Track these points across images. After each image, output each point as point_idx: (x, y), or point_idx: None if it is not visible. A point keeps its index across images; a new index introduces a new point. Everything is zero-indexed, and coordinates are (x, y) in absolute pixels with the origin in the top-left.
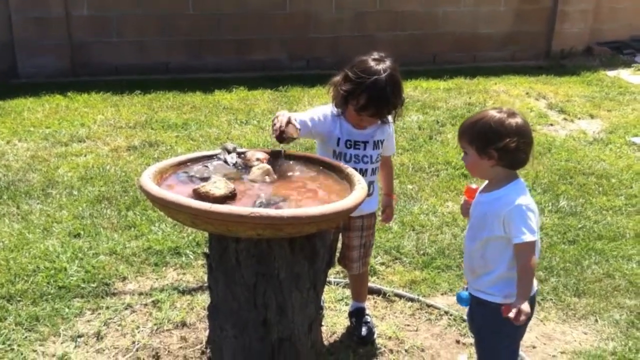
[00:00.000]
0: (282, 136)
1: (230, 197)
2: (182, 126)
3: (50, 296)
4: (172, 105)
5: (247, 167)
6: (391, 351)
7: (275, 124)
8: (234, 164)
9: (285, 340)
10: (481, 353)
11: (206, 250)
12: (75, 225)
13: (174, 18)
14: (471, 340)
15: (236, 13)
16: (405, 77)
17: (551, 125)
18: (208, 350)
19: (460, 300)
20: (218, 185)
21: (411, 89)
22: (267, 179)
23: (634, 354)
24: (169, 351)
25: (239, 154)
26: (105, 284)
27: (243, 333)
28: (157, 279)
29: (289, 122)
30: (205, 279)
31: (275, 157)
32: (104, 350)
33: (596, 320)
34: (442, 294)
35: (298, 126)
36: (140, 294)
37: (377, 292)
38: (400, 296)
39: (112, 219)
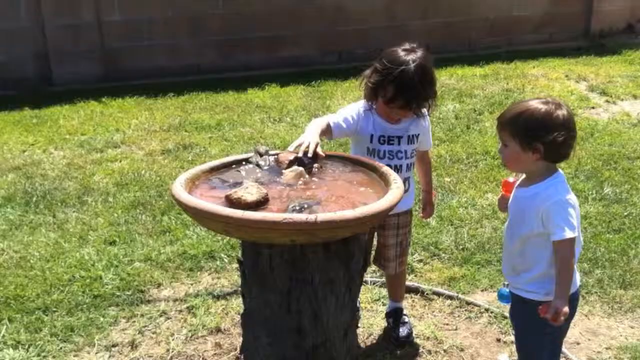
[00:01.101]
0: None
1: (262, 203)
2: (216, 127)
3: (85, 306)
4: (205, 106)
5: (279, 170)
6: (429, 352)
7: (301, 146)
8: (267, 168)
9: (320, 347)
10: (522, 352)
11: (240, 255)
12: (111, 233)
13: (203, 18)
14: (512, 338)
15: (264, 10)
16: (440, 65)
17: (593, 108)
18: (242, 357)
19: (501, 297)
20: (250, 191)
21: (446, 77)
22: (300, 181)
23: None
24: (203, 358)
25: (271, 157)
26: (140, 291)
27: (277, 340)
28: (191, 284)
29: (315, 151)
30: (240, 282)
31: (307, 158)
32: (138, 359)
33: None
34: (482, 291)
35: (323, 154)
36: (175, 300)
37: (414, 290)
38: (438, 294)
39: (147, 224)
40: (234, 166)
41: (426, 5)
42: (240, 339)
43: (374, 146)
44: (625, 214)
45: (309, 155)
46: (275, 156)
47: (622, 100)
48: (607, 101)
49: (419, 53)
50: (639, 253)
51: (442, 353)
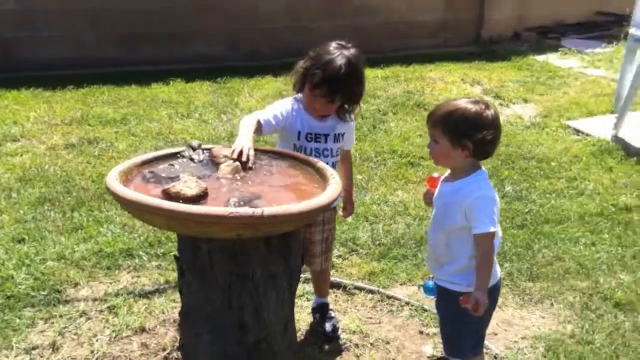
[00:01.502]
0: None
1: (202, 197)
2: (121, 121)
3: None
4: (107, 99)
5: (214, 164)
6: (357, 345)
7: (235, 151)
8: (200, 162)
9: (261, 342)
10: (446, 342)
11: (160, 251)
12: (19, 230)
13: (102, 11)
14: (434, 330)
15: (166, 5)
16: None
17: None
18: (171, 356)
19: (426, 290)
20: (189, 185)
21: None
22: (237, 176)
23: (591, 335)
24: (130, 359)
25: (204, 151)
26: (57, 291)
27: (219, 337)
28: (110, 283)
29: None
30: (161, 281)
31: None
32: None
33: (552, 304)
34: (401, 285)
35: (252, 160)
36: (95, 299)
37: (337, 285)
38: (360, 289)
39: (57, 221)
40: (166, 160)
41: (323, 8)
42: (167, 339)
43: (301, 143)
44: (526, 210)
45: (249, 165)
46: (209, 150)
47: (514, 103)
48: (501, 104)
49: (352, 50)
50: (542, 247)
51: (369, 346)
